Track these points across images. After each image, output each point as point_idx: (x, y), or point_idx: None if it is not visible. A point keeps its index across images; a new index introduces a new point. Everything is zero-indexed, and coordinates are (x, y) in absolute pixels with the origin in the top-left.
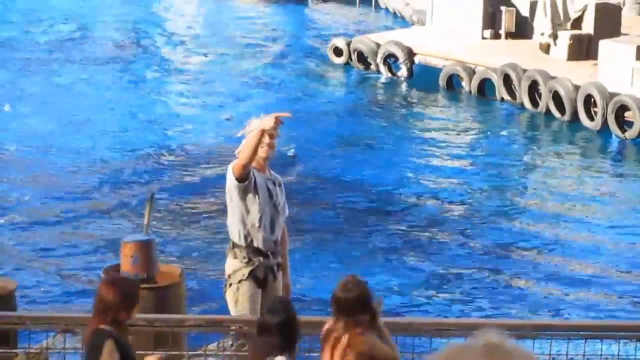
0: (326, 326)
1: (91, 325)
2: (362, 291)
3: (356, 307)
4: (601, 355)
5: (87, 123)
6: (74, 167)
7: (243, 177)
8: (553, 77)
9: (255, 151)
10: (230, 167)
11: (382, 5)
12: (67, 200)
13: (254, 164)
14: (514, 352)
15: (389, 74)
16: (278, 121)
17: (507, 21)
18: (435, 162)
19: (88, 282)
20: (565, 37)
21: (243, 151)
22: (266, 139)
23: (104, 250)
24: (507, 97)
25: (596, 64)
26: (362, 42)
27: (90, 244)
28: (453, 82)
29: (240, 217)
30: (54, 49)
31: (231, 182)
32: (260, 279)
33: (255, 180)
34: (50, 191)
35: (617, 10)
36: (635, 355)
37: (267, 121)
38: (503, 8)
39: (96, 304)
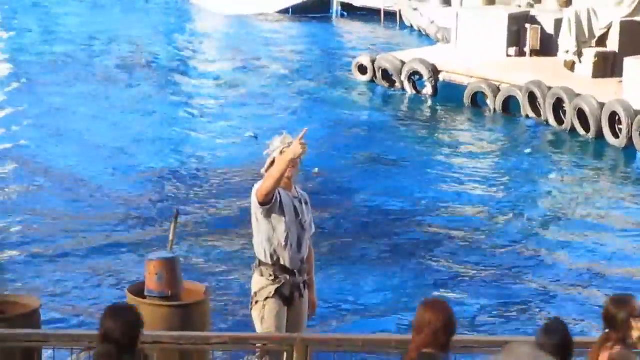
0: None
1: None
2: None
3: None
4: None
5: (107, 144)
6: (96, 187)
7: (267, 202)
8: (578, 95)
9: (280, 180)
10: (254, 191)
11: (407, 23)
12: (92, 218)
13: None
14: None
15: (414, 92)
16: (304, 146)
17: (531, 39)
18: (459, 179)
19: (113, 300)
20: (590, 54)
21: (268, 180)
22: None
23: (129, 268)
24: (531, 114)
25: (621, 82)
26: (386, 60)
27: (115, 262)
28: (477, 100)
29: (266, 236)
30: (66, 69)
31: (255, 205)
32: (286, 296)
33: (280, 200)
34: (72, 210)
35: None
36: None
37: (294, 149)
38: (528, 26)
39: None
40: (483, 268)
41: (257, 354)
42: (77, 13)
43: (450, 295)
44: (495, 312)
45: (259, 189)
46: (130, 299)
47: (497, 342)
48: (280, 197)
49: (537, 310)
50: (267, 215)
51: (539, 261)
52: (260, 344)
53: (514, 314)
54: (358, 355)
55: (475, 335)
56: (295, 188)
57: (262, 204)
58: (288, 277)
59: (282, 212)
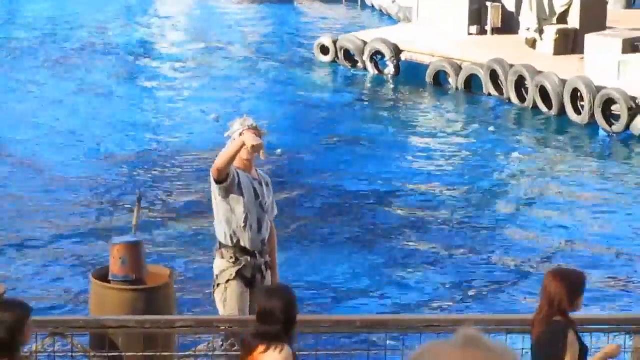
0: None
1: None
2: None
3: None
4: (590, 348)
5: (70, 127)
6: (60, 170)
7: (221, 179)
8: (540, 72)
9: (231, 159)
10: (210, 170)
11: (368, 3)
12: (55, 203)
13: (239, 164)
14: (490, 342)
15: (376, 72)
16: (259, 142)
17: (493, 17)
18: (421, 158)
19: (78, 284)
20: (551, 31)
21: (220, 157)
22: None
23: (92, 252)
24: (494, 92)
25: (583, 58)
26: (348, 40)
27: (78, 246)
28: (440, 79)
29: (225, 217)
30: (30, 52)
31: (213, 184)
32: (248, 278)
33: (239, 181)
34: (34, 196)
35: (602, 4)
36: (625, 347)
37: (250, 140)
38: (489, 4)
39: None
40: (446, 246)
41: (221, 337)
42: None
43: (416, 274)
44: (461, 290)
45: (213, 165)
46: (95, 284)
47: (462, 320)
48: (239, 178)
49: (504, 287)
50: (225, 195)
51: (504, 238)
52: (225, 326)
53: (480, 291)
54: (323, 336)
55: (441, 314)
56: (256, 170)
57: (217, 181)
58: (249, 258)
59: (240, 193)
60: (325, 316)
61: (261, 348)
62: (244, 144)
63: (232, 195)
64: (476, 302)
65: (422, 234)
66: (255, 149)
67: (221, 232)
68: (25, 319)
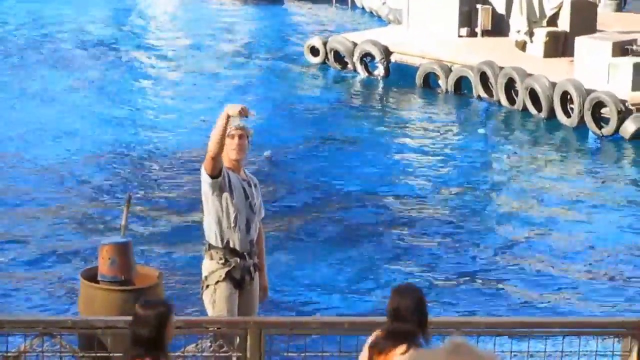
0: None
1: None
2: None
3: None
4: (579, 351)
5: (60, 126)
6: (48, 170)
7: (215, 173)
8: (529, 75)
9: (221, 140)
10: (202, 166)
11: (358, 4)
12: (43, 203)
13: (228, 164)
14: (476, 350)
15: (366, 73)
16: (244, 111)
17: (483, 19)
18: (412, 160)
19: (67, 284)
20: (541, 34)
21: (210, 142)
22: (236, 140)
23: (82, 253)
24: (484, 94)
25: (572, 61)
26: (338, 42)
27: (68, 247)
28: (430, 81)
29: (215, 218)
30: (21, 52)
31: (205, 181)
32: (237, 280)
33: (230, 181)
34: (23, 194)
35: (592, 7)
36: (613, 350)
37: (232, 107)
38: (479, 6)
39: None
40: (434, 247)
41: (210, 338)
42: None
43: (404, 274)
44: (450, 290)
45: (205, 157)
46: (84, 284)
47: (449, 323)
48: (229, 177)
49: (492, 283)
50: (218, 192)
51: (492, 239)
52: (214, 327)
53: (469, 287)
54: (312, 337)
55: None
56: (244, 171)
57: (210, 175)
58: (238, 260)
59: (231, 193)
60: (312, 317)
61: (401, 348)
62: (228, 117)
63: (223, 194)
64: (464, 302)
65: (409, 235)
66: (242, 113)
67: (211, 233)
68: (169, 316)
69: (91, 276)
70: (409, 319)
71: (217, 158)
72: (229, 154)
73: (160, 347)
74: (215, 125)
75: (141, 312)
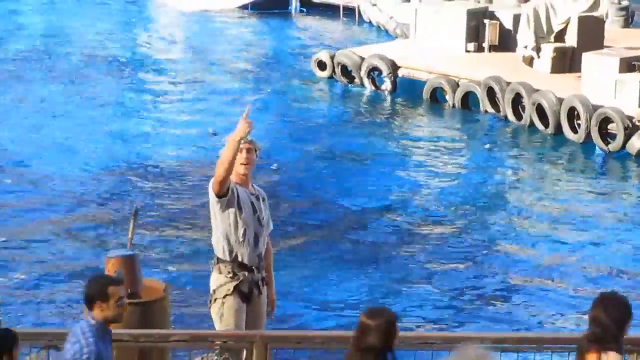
0: None
1: None
2: None
3: None
4: None
5: (67, 140)
6: (56, 184)
7: (222, 193)
8: (536, 90)
9: (230, 165)
10: (210, 184)
11: (366, 19)
12: (50, 216)
13: (236, 179)
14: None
15: (373, 88)
16: (250, 124)
17: (490, 34)
18: (418, 175)
19: (72, 297)
20: (548, 49)
21: (219, 166)
22: (244, 154)
23: (88, 266)
24: (490, 110)
25: (580, 77)
26: (345, 56)
27: (73, 259)
28: (437, 95)
29: (224, 232)
30: (28, 66)
31: (212, 199)
32: (245, 293)
33: (238, 196)
34: (31, 208)
35: (600, 22)
36: None
37: (241, 128)
38: (486, 21)
39: None
40: (441, 262)
41: (216, 352)
42: (36, 9)
43: (411, 289)
44: (457, 306)
45: (213, 179)
46: None
47: (456, 338)
48: (238, 192)
49: (499, 302)
50: (225, 208)
51: (499, 254)
52: (220, 341)
53: (476, 307)
54: (317, 352)
55: (435, 331)
56: (252, 185)
57: (218, 195)
58: (246, 273)
59: (239, 208)
60: (318, 332)
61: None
62: (240, 141)
63: (231, 209)
64: (472, 317)
65: (416, 249)
66: (250, 127)
67: (219, 248)
68: (395, 322)
69: None
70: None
71: (224, 182)
72: (237, 169)
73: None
74: (224, 149)
75: (371, 322)
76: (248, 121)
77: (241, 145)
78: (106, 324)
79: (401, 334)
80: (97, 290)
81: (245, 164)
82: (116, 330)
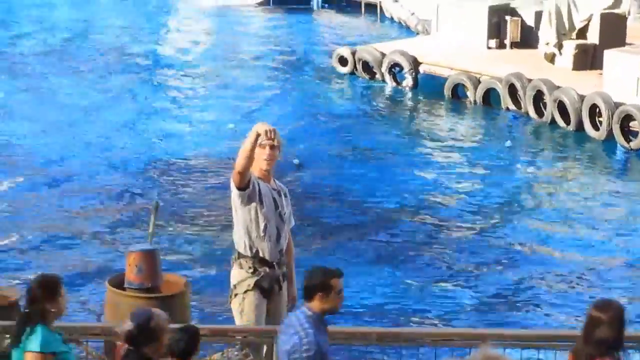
0: None
1: None
2: None
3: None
4: None
5: (89, 135)
6: (78, 179)
7: (243, 185)
8: (558, 87)
9: (250, 157)
10: (231, 177)
11: (387, 15)
12: (72, 210)
13: (258, 174)
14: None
15: (394, 84)
16: (273, 131)
17: (512, 31)
18: (439, 172)
19: (93, 290)
20: (570, 46)
21: (238, 158)
22: (267, 150)
23: (109, 260)
24: (512, 106)
25: (601, 74)
26: (367, 52)
27: (95, 254)
28: (458, 92)
29: (245, 227)
30: (48, 59)
31: (234, 192)
32: (265, 289)
33: (259, 190)
34: (54, 202)
35: (622, 19)
36: None
37: (261, 125)
38: (508, 18)
39: None
40: (464, 260)
41: (237, 346)
42: (57, 3)
43: (436, 287)
44: (479, 304)
45: (233, 171)
46: (110, 291)
47: (476, 335)
48: (260, 187)
49: (523, 301)
50: (247, 203)
51: (521, 253)
52: (241, 336)
53: (497, 305)
54: (340, 348)
55: (455, 328)
56: (274, 180)
57: (239, 187)
58: (267, 269)
59: (261, 203)
60: (339, 328)
61: None
62: (258, 135)
63: (252, 205)
64: (493, 315)
65: (439, 247)
66: (267, 134)
67: (240, 243)
68: (624, 315)
69: (118, 283)
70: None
71: (244, 173)
72: (260, 164)
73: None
74: (244, 141)
75: (602, 315)
76: (271, 128)
77: (265, 142)
78: (322, 315)
79: (421, 330)
80: (319, 281)
81: (268, 160)
82: None
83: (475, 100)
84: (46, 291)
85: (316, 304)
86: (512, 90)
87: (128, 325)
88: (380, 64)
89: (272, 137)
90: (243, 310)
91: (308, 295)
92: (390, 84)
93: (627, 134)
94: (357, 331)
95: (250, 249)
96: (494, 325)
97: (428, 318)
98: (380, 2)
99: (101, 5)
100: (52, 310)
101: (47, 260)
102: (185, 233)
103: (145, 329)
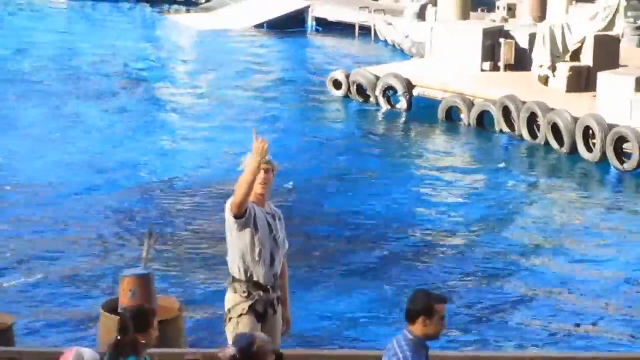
0: None
1: None
2: None
3: None
4: None
5: (83, 158)
6: (72, 202)
7: (241, 214)
8: (552, 109)
9: (250, 189)
10: (227, 206)
11: (382, 38)
12: (66, 235)
13: (253, 198)
14: None
15: (389, 107)
16: (264, 142)
17: (506, 53)
18: (434, 194)
19: (87, 316)
20: (564, 69)
21: (239, 189)
22: (262, 174)
23: (103, 285)
24: (506, 129)
25: (595, 96)
26: (361, 75)
27: (89, 278)
28: (452, 115)
29: (240, 252)
30: (39, 82)
31: (230, 219)
32: (260, 313)
33: (255, 215)
34: (48, 226)
35: (615, 42)
36: None
37: (257, 148)
38: (502, 40)
39: None
40: (457, 279)
41: None
42: (58, 26)
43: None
44: (470, 321)
45: (232, 201)
46: (104, 316)
47: (469, 357)
48: (255, 212)
49: (516, 318)
50: (242, 229)
51: (515, 274)
52: None
53: (493, 321)
54: None
55: (448, 351)
56: (269, 204)
57: (236, 216)
58: (262, 293)
59: (256, 228)
60: (334, 351)
61: None
62: (260, 163)
63: (247, 230)
64: (484, 330)
65: (431, 267)
66: (265, 145)
67: (235, 267)
68: None
69: (112, 308)
70: None
71: (244, 204)
72: (255, 188)
73: None
74: (244, 173)
75: None
76: (261, 140)
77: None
78: (424, 340)
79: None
80: (423, 306)
81: (263, 184)
82: None
83: (469, 123)
84: (138, 322)
85: (418, 328)
86: (506, 113)
87: (231, 350)
88: (374, 87)
89: (266, 143)
90: None
91: (411, 318)
92: (384, 107)
93: (621, 155)
94: (351, 354)
95: (245, 273)
96: (486, 338)
97: None
98: (374, 25)
99: (94, 30)
100: (143, 341)
101: (38, 283)
102: (179, 257)
103: (248, 353)
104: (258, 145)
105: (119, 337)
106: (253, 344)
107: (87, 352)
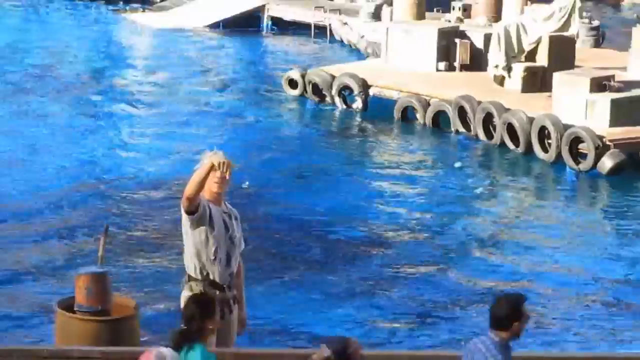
0: None
1: None
2: None
3: None
4: None
5: (38, 153)
6: (24, 198)
7: (192, 209)
8: (507, 109)
9: (200, 185)
10: (181, 201)
11: (337, 37)
12: (19, 232)
13: (209, 197)
14: None
15: (344, 106)
16: (228, 164)
17: (461, 53)
18: (389, 194)
19: (42, 314)
20: (519, 69)
21: (190, 183)
22: (218, 174)
23: (58, 282)
24: (461, 129)
25: (550, 96)
26: (316, 74)
27: (44, 276)
28: (408, 114)
29: (195, 250)
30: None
31: (184, 216)
32: None
33: (210, 213)
34: (0, 221)
35: (571, 42)
36: None
37: (215, 157)
38: (457, 40)
39: None
40: (410, 273)
41: None
42: (10, 23)
43: (371, 306)
44: (420, 318)
45: (183, 195)
46: (60, 314)
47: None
48: (210, 210)
49: (469, 310)
50: (197, 226)
51: (467, 275)
52: None
53: (439, 318)
54: None
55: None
56: (225, 203)
57: (187, 212)
58: (217, 292)
59: (211, 226)
60: (289, 350)
61: None
62: (212, 167)
63: (202, 227)
64: (437, 327)
65: (383, 267)
66: (223, 165)
67: (191, 265)
68: None
69: (68, 306)
70: None
71: (194, 198)
72: (211, 187)
73: None
74: (197, 170)
75: None
76: (227, 161)
77: (217, 176)
78: (509, 341)
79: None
80: (513, 310)
81: (219, 183)
82: (86, 347)
83: (424, 123)
84: (203, 309)
85: (508, 331)
86: (462, 113)
87: (326, 352)
88: (330, 87)
89: (225, 170)
90: None
91: (502, 324)
92: (340, 107)
93: (576, 156)
94: (305, 353)
95: (201, 271)
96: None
97: (374, 336)
98: (330, 24)
99: (48, 28)
100: (210, 327)
101: None
102: (136, 255)
103: (343, 356)
104: (223, 157)
105: (184, 325)
106: (348, 347)
107: (168, 352)
